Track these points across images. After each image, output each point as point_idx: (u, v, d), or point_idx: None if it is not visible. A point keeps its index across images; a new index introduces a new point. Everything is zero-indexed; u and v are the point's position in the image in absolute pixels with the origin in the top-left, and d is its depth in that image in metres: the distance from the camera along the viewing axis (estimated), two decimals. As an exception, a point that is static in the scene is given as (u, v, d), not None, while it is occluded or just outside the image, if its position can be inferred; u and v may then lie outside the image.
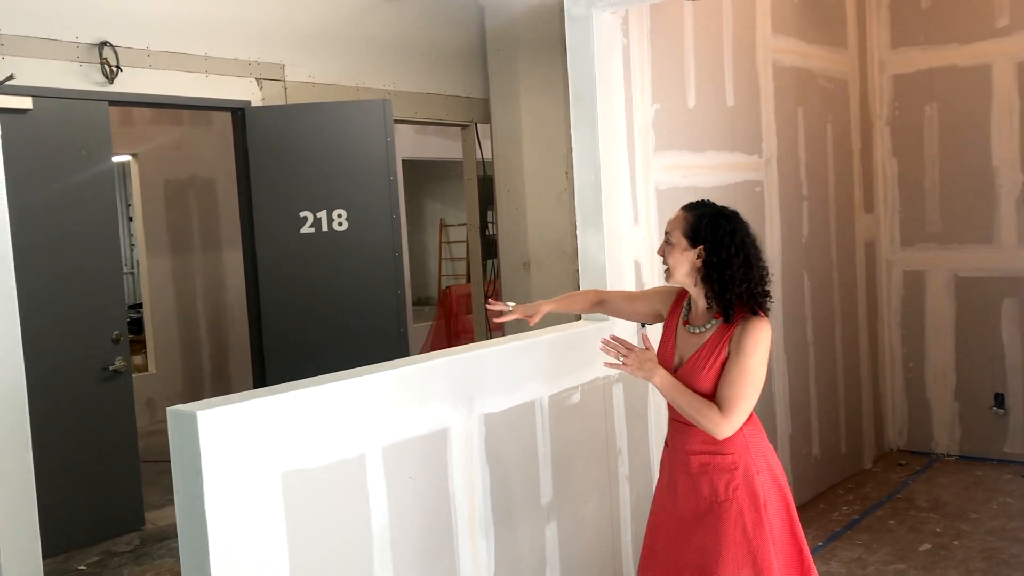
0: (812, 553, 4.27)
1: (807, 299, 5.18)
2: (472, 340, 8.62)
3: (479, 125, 7.63)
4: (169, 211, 8.71)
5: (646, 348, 2.59)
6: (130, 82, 5.22)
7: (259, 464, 2.44)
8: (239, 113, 5.87)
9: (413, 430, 2.88)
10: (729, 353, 2.51)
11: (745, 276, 2.51)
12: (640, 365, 2.56)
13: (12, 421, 3.03)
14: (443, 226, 14.17)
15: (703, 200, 2.65)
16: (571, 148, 7.13)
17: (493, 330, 6.99)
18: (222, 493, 2.35)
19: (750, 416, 2.60)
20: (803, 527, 4.68)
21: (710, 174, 4.34)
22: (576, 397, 3.53)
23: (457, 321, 10.39)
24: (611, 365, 2.64)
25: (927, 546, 4.43)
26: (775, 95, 4.88)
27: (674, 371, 2.62)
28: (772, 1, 4.85)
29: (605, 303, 3.09)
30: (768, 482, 2.58)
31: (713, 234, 2.53)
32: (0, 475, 2.99)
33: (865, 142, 5.82)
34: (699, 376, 2.54)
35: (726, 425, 2.47)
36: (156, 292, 8.65)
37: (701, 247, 2.54)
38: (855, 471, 5.63)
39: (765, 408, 4.72)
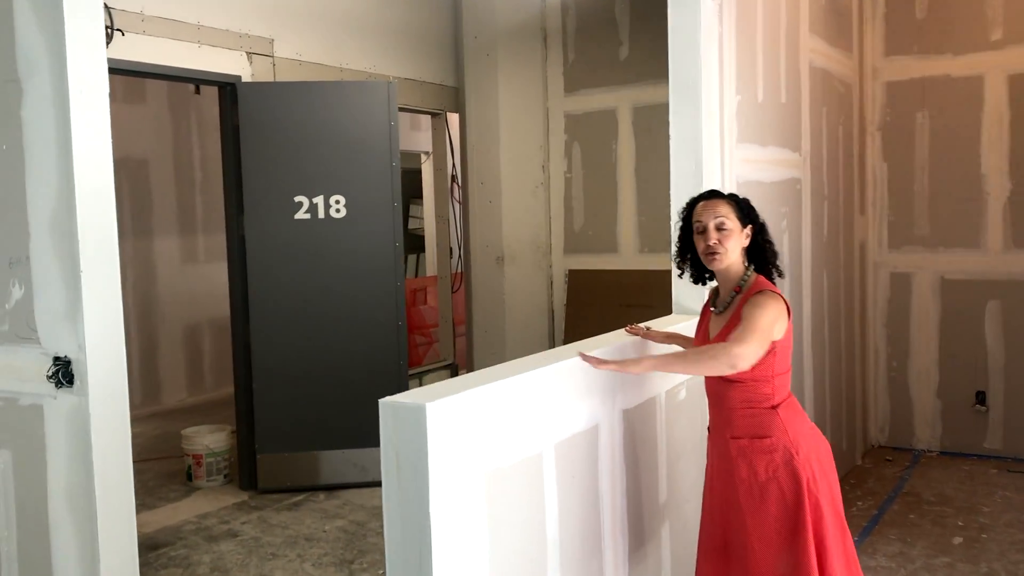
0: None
1: (825, 298, 5.25)
2: (428, 335, 8.37)
3: (448, 114, 7.40)
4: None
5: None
6: (126, 48, 4.77)
7: (469, 461, 2.22)
8: (228, 89, 5.46)
9: (575, 426, 2.70)
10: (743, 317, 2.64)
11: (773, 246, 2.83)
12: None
13: (115, 423, 2.66)
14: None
15: (714, 189, 2.92)
16: (549, 140, 7.06)
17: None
18: (444, 493, 2.12)
19: (788, 399, 2.73)
20: (862, 529, 4.74)
21: (768, 169, 4.32)
22: (683, 393, 3.42)
23: (409, 315, 10.07)
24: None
25: (959, 539, 4.56)
26: (810, 94, 4.92)
27: None
28: (808, 0, 4.89)
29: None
30: (810, 462, 2.65)
31: (754, 212, 2.81)
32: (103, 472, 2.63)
33: (860, 146, 5.97)
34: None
35: (738, 348, 2.51)
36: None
37: (750, 226, 2.76)
38: (850, 467, 5.76)
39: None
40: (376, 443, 5.58)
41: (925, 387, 6.08)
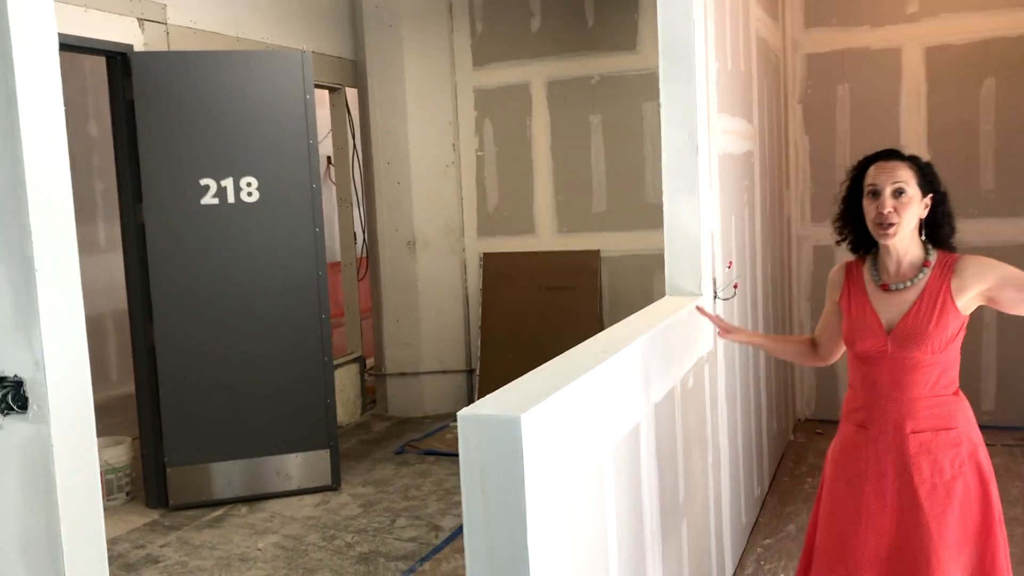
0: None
1: (770, 274, 5.16)
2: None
3: (347, 90, 6.91)
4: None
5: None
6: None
7: (555, 475, 1.89)
8: (118, 59, 4.84)
9: (624, 424, 2.42)
10: (982, 289, 2.38)
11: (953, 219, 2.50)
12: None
13: (83, 455, 2.17)
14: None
15: (894, 148, 2.53)
16: (459, 117, 6.70)
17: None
18: (539, 518, 1.79)
19: (958, 387, 2.48)
20: (782, 504, 4.67)
21: (736, 141, 4.14)
22: (691, 381, 3.19)
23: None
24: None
25: (918, 510, 4.56)
26: (757, 65, 4.78)
27: (887, 334, 2.43)
28: (751, -33, 4.74)
29: (816, 342, 2.82)
30: (987, 454, 2.46)
31: (938, 180, 2.47)
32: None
33: (784, 119, 5.93)
34: (928, 327, 2.38)
35: None
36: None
37: (931, 195, 2.44)
38: (787, 444, 5.73)
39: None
40: (302, 447, 5.13)
41: (850, 358, 6.12)
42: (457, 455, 5.76)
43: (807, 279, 6.17)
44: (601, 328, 6.48)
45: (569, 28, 6.46)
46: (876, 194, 2.41)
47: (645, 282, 6.42)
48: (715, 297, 3.50)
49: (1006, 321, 5.67)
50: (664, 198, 3.35)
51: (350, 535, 4.57)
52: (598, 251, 6.52)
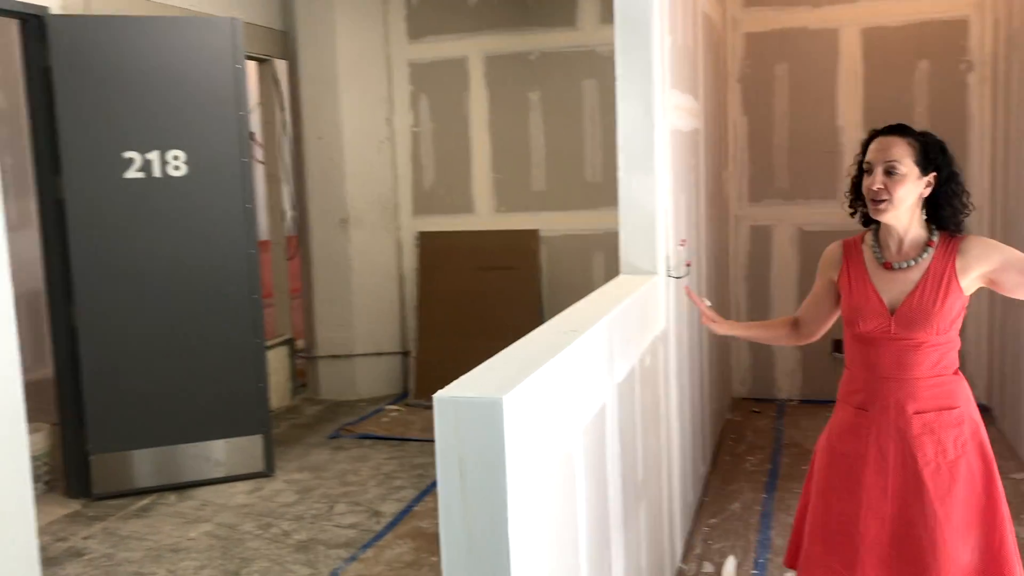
0: (765, 507, 4.29)
1: (713, 256, 5.13)
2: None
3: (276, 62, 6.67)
4: None
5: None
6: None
7: (531, 459, 1.80)
8: (32, 22, 4.54)
9: (592, 405, 2.33)
10: (985, 271, 2.33)
11: (967, 199, 2.38)
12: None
13: (12, 453, 1.98)
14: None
15: (902, 124, 2.42)
16: (393, 92, 6.52)
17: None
18: (518, 506, 1.69)
19: (958, 367, 2.44)
20: (725, 483, 4.68)
21: (685, 118, 4.08)
22: (648, 360, 3.13)
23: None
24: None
25: (858, 487, 4.60)
26: (703, 41, 4.73)
27: (890, 314, 2.37)
28: (697, -58, 4.68)
29: (800, 322, 2.74)
30: (985, 433, 2.43)
31: (945, 158, 2.36)
32: None
33: (724, 98, 5.91)
34: (933, 309, 2.33)
35: None
36: None
37: (933, 174, 2.35)
38: (724, 422, 5.75)
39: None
40: (233, 432, 4.94)
41: (786, 338, 6.17)
42: (394, 438, 5.68)
43: (744, 259, 6.19)
44: (541, 309, 6.41)
45: (508, 2, 6.33)
46: (870, 171, 2.36)
47: (585, 262, 6.36)
48: (668, 275, 3.44)
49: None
50: (620, 174, 3.26)
51: (287, 523, 4.40)
52: (537, 231, 6.43)
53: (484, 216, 6.55)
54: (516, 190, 6.47)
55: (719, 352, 5.59)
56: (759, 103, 6.04)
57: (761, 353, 6.23)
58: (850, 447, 2.47)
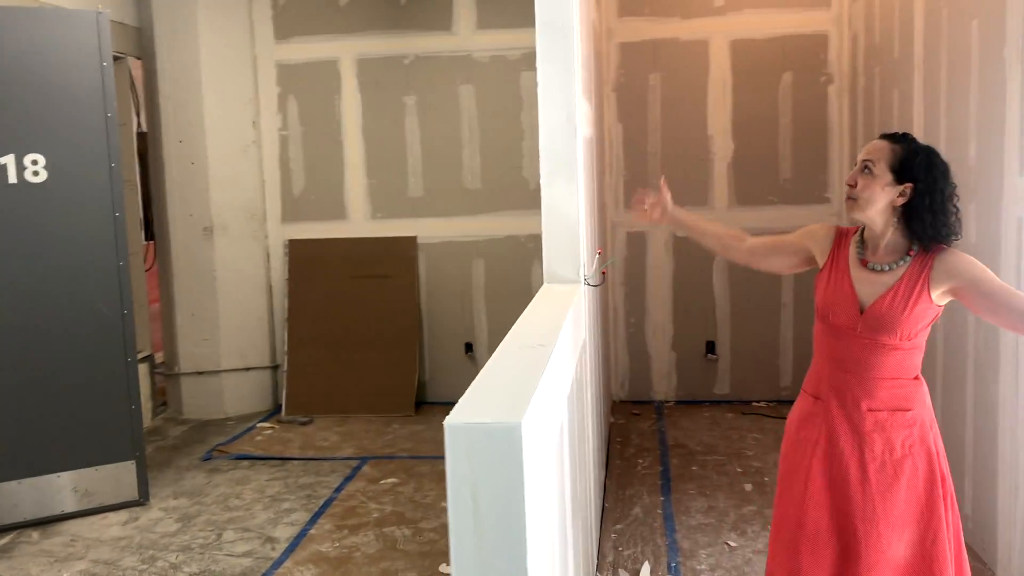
0: (666, 511, 4.36)
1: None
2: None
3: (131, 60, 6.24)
4: None
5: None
6: None
7: (537, 480, 1.71)
8: None
9: (557, 419, 2.26)
10: (955, 287, 2.38)
11: (952, 217, 2.40)
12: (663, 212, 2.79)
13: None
14: None
15: (905, 133, 2.47)
16: (260, 93, 6.22)
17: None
18: (533, 528, 1.61)
19: (919, 372, 2.52)
20: (621, 488, 4.73)
21: (587, 125, 4.08)
22: (578, 369, 3.09)
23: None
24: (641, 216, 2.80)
25: (748, 486, 4.75)
26: (593, 49, 4.75)
27: (860, 313, 2.43)
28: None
29: (751, 249, 2.72)
30: (938, 437, 2.52)
31: (928, 173, 2.38)
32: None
33: (601, 107, 5.98)
34: (901, 316, 2.39)
35: None
36: None
37: (909, 185, 2.38)
38: (608, 425, 5.81)
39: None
40: (102, 459, 4.60)
41: (661, 341, 6.32)
42: (273, 458, 5.42)
43: (620, 265, 6.28)
44: (420, 318, 6.29)
45: (381, 4, 6.17)
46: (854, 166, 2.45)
47: (464, 270, 6.28)
48: (586, 284, 3.42)
49: (802, 301, 6.07)
50: (542, 182, 3.21)
51: (173, 555, 4.09)
52: (415, 237, 6.30)
53: (358, 223, 6.36)
54: (392, 196, 6.32)
55: (602, 356, 5.64)
56: (634, 112, 6.15)
57: (638, 356, 6.34)
58: (805, 435, 2.55)
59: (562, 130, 3.21)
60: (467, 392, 1.75)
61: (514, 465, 1.54)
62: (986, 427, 3.66)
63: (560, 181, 3.22)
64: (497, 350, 2.14)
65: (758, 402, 6.19)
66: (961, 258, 2.40)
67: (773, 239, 2.75)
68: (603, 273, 3.64)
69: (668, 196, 2.83)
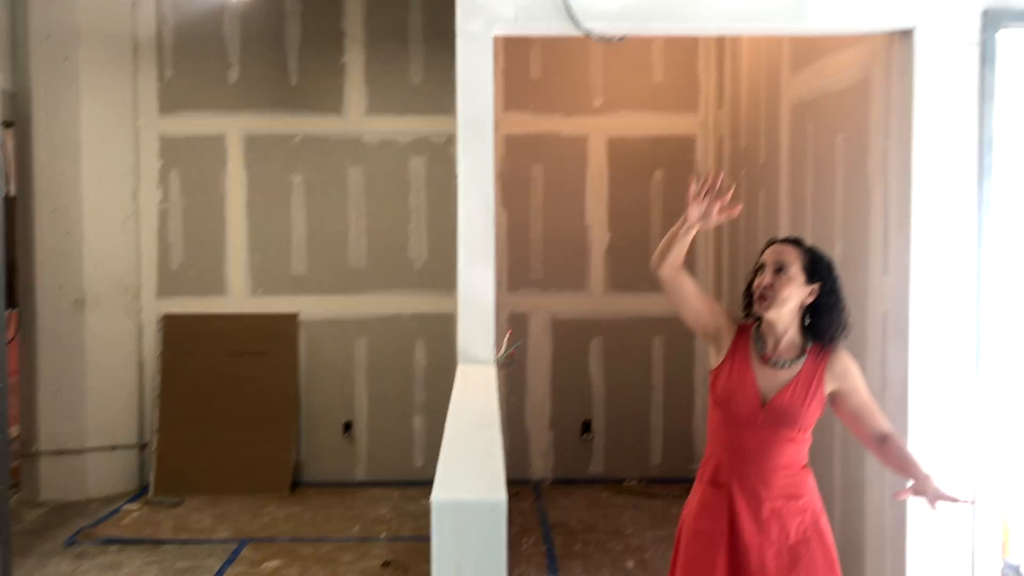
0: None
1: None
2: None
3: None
4: None
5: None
6: None
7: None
8: None
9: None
10: (840, 388, 2.63)
11: (845, 316, 2.67)
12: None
13: None
14: None
15: (797, 237, 2.75)
16: (141, 165, 6.12)
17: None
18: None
19: (807, 462, 2.72)
20: (547, 566, 4.82)
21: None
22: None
23: None
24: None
25: (631, 563, 4.92)
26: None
27: (761, 406, 2.62)
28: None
29: (684, 281, 2.73)
30: (827, 523, 2.72)
31: (830, 273, 2.66)
32: None
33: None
34: (801, 409, 2.60)
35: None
36: None
37: (817, 285, 2.62)
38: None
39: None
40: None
41: (540, 420, 6.49)
42: (146, 541, 5.19)
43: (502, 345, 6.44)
44: (298, 395, 6.22)
45: (271, 83, 6.24)
46: (762, 269, 2.64)
47: (346, 348, 6.29)
48: (497, 363, 3.55)
49: (672, 382, 6.39)
50: (460, 266, 3.36)
51: (46, 647, 3.86)
52: (296, 314, 6.27)
53: (238, 298, 6.29)
54: (275, 272, 6.30)
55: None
56: (518, 199, 6.41)
57: (516, 434, 6.47)
58: (706, 525, 2.69)
59: (480, 217, 3.38)
60: (439, 471, 1.83)
61: (497, 539, 1.64)
62: (854, 507, 3.97)
63: (478, 265, 3.38)
64: (448, 430, 2.24)
65: (630, 480, 6.42)
66: (852, 363, 2.66)
67: (696, 286, 2.77)
68: (511, 354, 3.78)
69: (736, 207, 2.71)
